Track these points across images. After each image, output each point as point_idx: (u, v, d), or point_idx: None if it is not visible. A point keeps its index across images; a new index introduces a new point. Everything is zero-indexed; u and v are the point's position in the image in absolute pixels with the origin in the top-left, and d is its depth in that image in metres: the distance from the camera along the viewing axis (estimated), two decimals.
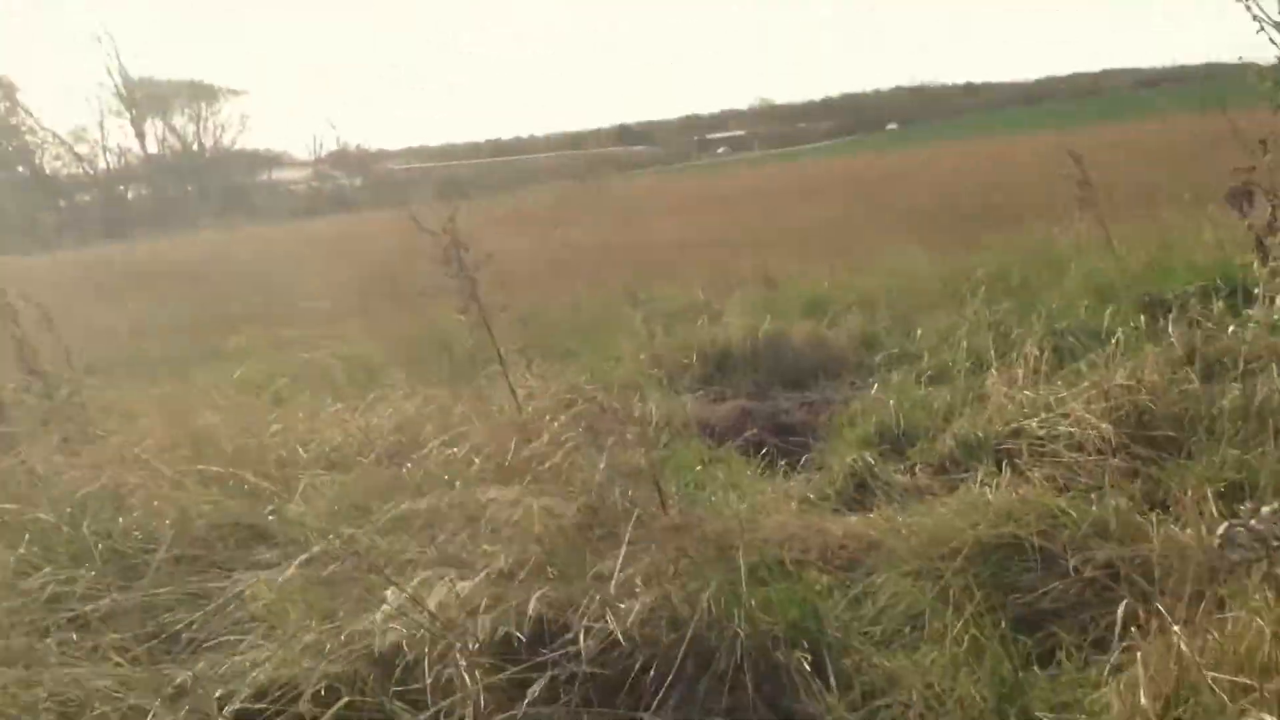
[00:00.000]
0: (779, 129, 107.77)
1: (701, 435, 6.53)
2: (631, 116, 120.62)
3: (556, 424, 6.02)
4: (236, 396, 7.54)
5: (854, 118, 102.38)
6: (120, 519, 4.74)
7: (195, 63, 77.80)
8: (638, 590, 3.34)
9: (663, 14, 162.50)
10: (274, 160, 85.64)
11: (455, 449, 5.51)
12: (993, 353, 6.30)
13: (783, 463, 5.69)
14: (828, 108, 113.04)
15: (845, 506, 4.85)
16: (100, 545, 4.48)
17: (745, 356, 8.23)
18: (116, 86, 76.31)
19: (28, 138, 75.67)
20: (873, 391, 6.67)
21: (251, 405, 7.08)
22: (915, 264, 10.71)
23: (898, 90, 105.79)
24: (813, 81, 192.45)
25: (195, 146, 79.70)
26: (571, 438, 5.66)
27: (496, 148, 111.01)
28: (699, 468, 5.62)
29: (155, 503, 4.81)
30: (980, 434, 5.20)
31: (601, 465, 4.86)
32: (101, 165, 77.43)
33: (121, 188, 78.21)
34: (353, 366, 8.58)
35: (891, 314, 8.74)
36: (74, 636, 3.62)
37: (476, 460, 5.37)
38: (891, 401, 6.05)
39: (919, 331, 7.72)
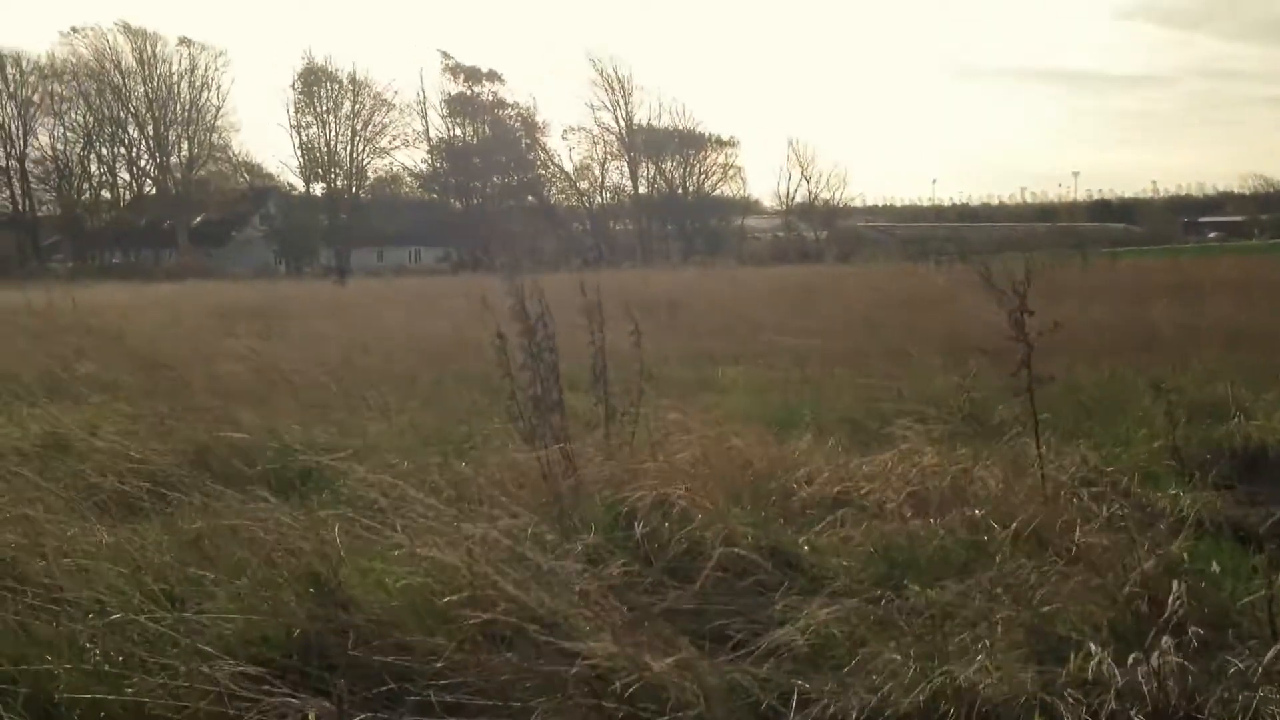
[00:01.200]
0: None
1: (1235, 539, 5.99)
2: (1112, 190, 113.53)
3: (1076, 501, 5.80)
4: (744, 426, 7.88)
5: None
6: (667, 525, 5.12)
7: (687, 112, 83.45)
8: None
9: (1145, 78, 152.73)
10: (748, 207, 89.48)
11: (978, 510, 5.44)
12: None
13: None
14: None
15: None
16: (652, 546, 4.87)
17: None
18: (620, 133, 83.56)
19: (540, 171, 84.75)
20: None
21: (763, 437, 7.38)
22: None
23: None
24: None
25: (680, 190, 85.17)
26: (1098, 518, 5.41)
27: (962, 212, 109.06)
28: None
29: (699, 515, 5.13)
30: None
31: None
32: (596, 200, 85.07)
33: (612, 222, 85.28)
34: (852, 413, 8.71)
35: None
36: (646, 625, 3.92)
37: (996, 526, 5.27)
38: None
39: None
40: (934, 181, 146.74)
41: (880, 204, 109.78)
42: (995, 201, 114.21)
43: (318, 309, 25.09)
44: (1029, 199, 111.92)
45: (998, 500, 5.56)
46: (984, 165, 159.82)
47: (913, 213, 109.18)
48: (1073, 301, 20.06)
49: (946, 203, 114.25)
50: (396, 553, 4.67)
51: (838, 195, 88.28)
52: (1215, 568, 4.96)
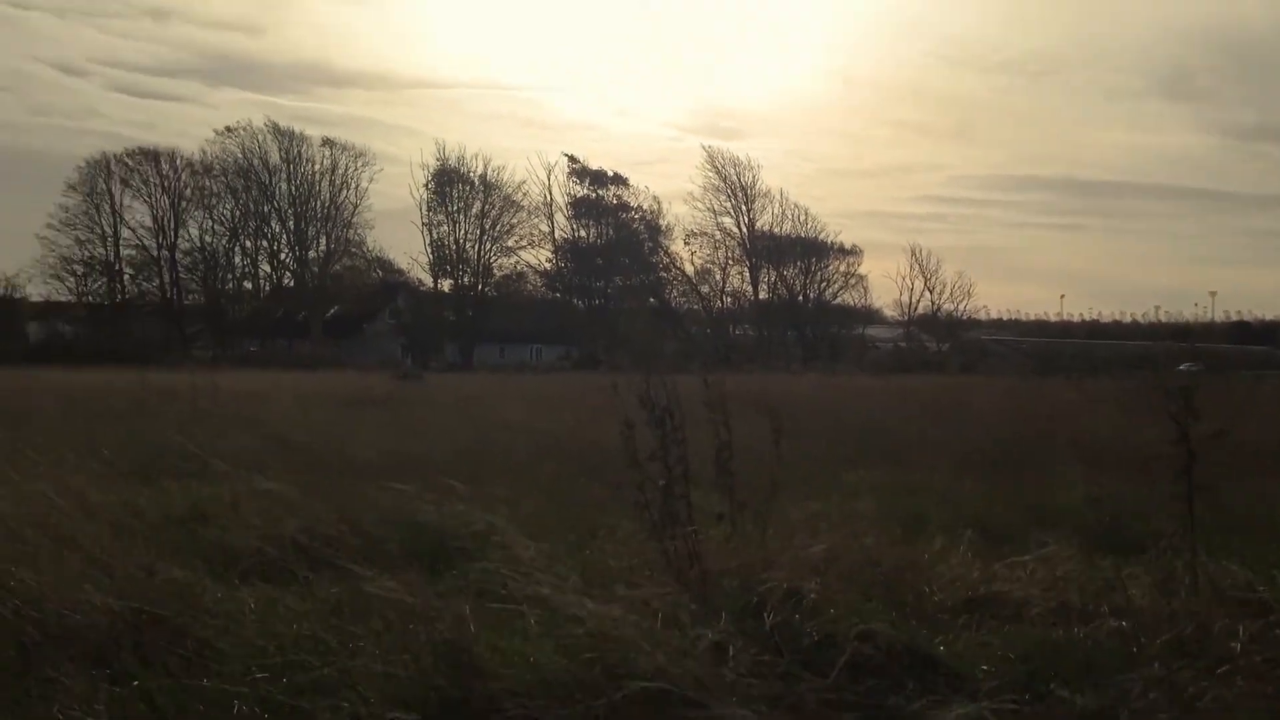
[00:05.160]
0: None
1: None
2: (1252, 311, 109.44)
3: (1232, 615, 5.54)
4: (871, 526, 7.76)
5: None
6: (797, 617, 5.06)
7: (810, 219, 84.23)
8: None
9: None
10: (869, 316, 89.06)
11: (1123, 621, 5.25)
12: None
13: None
14: None
15: None
16: (782, 637, 4.81)
17: None
18: (742, 238, 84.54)
19: (662, 274, 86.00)
20: None
21: (891, 538, 7.26)
22: None
23: None
24: None
25: (801, 297, 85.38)
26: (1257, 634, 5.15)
27: (1092, 329, 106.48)
28: None
29: (831, 609, 5.07)
30: None
31: None
32: (717, 304, 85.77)
33: (731, 326, 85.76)
34: (983, 520, 8.51)
35: None
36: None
37: (1144, 637, 5.06)
38: None
39: None
40: (1062, 297, 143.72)
41: (1005, 317, 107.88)
42: (1127, 318, 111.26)
43: (441, 401, 25.66)
44: (1163, 318, 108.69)
45: (1146, 611, 5.36)
46: (1114, 282, 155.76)
47: (1039, 327, 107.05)
48: (1215, 420, 19.36)
49: (1075, 318, 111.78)
50: (528, 628, 4.72)
51: (962, 307, 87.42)
52: None
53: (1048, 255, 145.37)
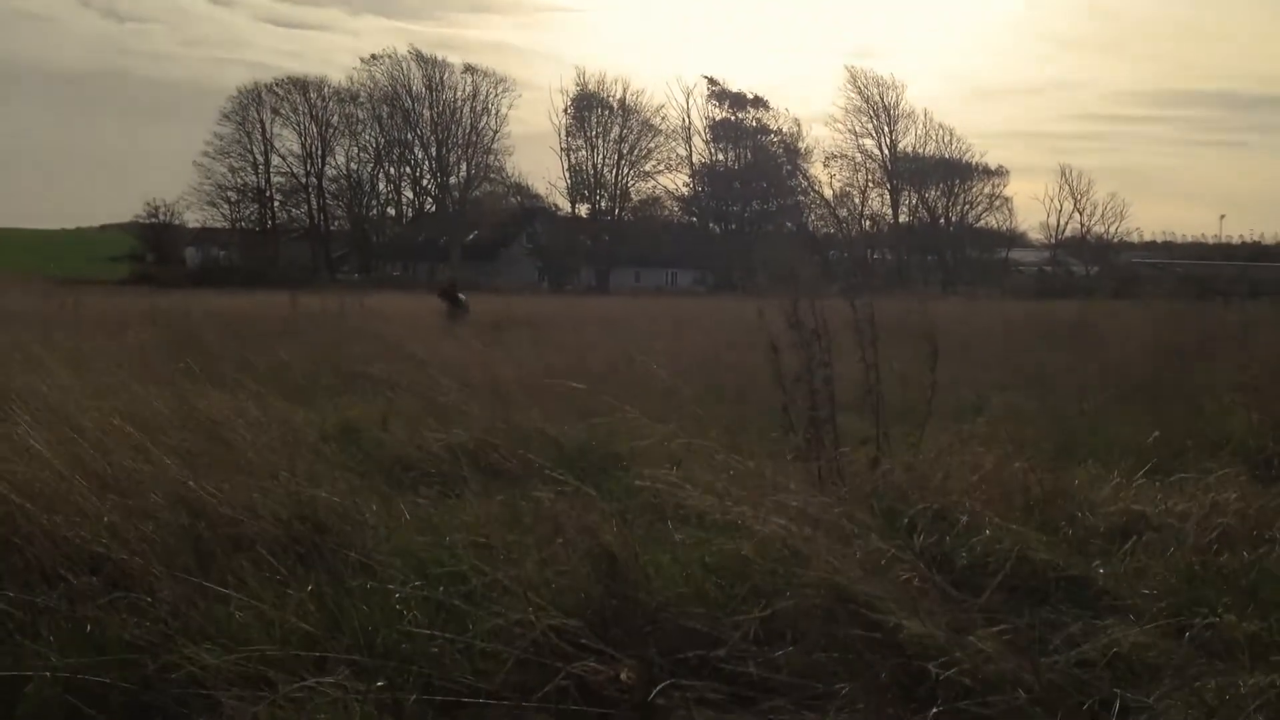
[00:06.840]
0: None
1: None
2: None
3: None
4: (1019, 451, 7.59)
5: None
6: (947, 538, 5.01)
7: (954, 139, 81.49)
8: None
9: None
10: (1013, 240, 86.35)
11: None
12: None
13: None
14: None
15: None
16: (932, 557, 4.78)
17: None
18: (883, 160, 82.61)
19: (800, 198, 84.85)
20: None
21: (1041, 464, 7.09)
22: None
23: None
24: None
25: (942, 220, 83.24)
26: None
27: (1254, 251, 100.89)
28: None
29: (986, 531, 5.00)
30: None
31: None
32: (855, 228, 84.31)
33: (869, 250, 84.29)
34: (1136, 448, 8.24)
35: None
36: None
37: None
38: None
39: None
40: (1222, 217, 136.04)
41: (1159, 240, 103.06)
42: None
43: (580, 322, 25.97)
44: None
45: None
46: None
47: (1196, 250, 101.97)
48: None
49: (1236, 240, 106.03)
50: (676, 542, 4.79)
51: (1113, 229, 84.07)
52: None
53: (1207, 174, 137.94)
